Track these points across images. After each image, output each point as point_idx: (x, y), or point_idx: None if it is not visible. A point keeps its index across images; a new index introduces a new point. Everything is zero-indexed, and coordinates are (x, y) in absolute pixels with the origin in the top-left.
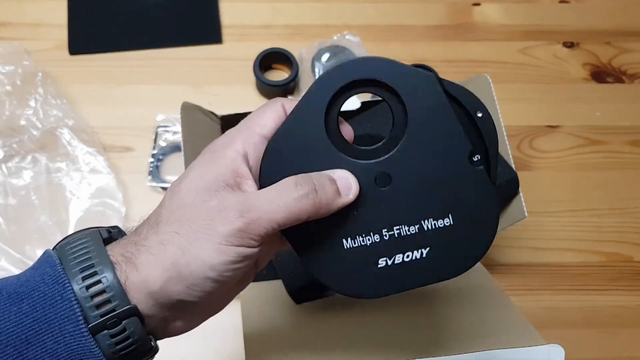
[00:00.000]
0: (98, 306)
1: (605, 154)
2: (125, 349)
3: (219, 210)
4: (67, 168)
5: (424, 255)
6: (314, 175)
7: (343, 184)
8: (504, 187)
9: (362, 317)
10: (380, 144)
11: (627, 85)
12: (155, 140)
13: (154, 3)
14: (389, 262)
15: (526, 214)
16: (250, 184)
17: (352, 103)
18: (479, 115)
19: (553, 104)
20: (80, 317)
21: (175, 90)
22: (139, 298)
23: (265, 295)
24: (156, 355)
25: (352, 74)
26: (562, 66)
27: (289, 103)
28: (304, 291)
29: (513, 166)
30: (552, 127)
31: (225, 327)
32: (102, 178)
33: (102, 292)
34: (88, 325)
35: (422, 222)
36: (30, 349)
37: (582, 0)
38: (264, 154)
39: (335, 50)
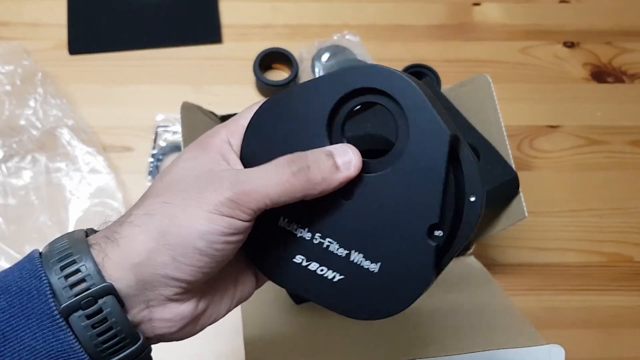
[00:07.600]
0: (72, 286)
1: (606, 154)
2: (108, 340)
3: (211, 181)
4: (66, 168)
5: (335, 280)
6: (309, 152)
7: (342, 158)
8: (504, 187)
9: None
10: (370, 160)
11: (628, 85)
12: (155, 140)
13: (154, 3)
14: (304, 264)
15: (526, 214)
16: (239, 167)
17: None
18: (472, 199)
19: (553, 103)
20: (56, 310)
21: (175, 90)
22: (118, 275)
23: (265, 295)
24: (156, 355)
25: (380, 83)
26: (563, 66)
27: None
28: None
29: (513, 166)
30: (552, 127)
31: (225, 327)
32: (102, 178)
33: (80, 276)
34: (60, 306)
35: (352, 251)
36: (8, 346)
37: (582, 0)
38: (248, 126)
39: (335, 50)
